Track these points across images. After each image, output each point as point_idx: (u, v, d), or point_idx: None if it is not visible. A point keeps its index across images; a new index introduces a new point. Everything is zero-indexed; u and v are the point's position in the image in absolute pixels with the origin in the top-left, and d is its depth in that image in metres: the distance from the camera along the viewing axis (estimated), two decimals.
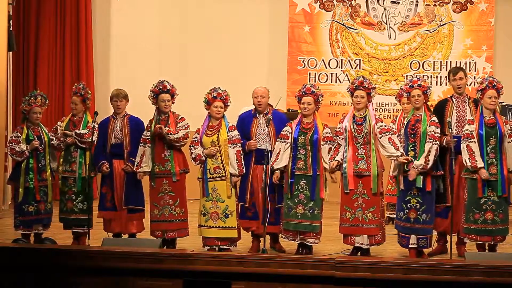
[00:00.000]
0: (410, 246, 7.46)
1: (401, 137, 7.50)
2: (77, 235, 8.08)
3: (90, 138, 7.91)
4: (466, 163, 7.31)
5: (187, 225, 7.91)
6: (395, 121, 8.59)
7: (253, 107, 10.41)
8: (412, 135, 7.42)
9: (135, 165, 7.84)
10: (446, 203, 7.57)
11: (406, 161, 7.35)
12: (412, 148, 7.42)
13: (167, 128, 7.72)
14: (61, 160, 8.03)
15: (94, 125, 7.89)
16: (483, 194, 7.28)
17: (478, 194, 7.30)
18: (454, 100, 7.83)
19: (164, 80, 7.89)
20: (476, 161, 7.25)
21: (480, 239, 7.39)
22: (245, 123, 7.96)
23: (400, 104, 9.36)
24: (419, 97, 7.46)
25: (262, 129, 7.84)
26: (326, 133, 7.60)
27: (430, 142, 7.34)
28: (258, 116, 7.94)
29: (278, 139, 7.68)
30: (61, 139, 7.99)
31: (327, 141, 7.58)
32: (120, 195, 7.96)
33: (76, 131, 7.96)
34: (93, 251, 5.77)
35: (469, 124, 7.41)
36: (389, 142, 7.41)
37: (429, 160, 7.32)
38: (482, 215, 7.32)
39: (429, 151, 7.32)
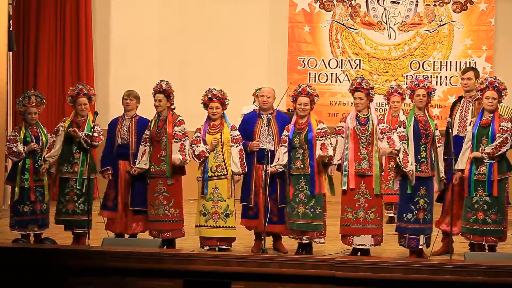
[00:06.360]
0: (420, 246, 7.43)
1: (401, 134, 7.45)
2: (77, 235, 8.06)
3: (99, 143, 7.90)
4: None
5: (182, 225, 7.86)
6: (383, 120, 8.59)
7: (253, 106, 10.48)
8: (425, 136, 7.40)
9: (136, 163, 7.84)
10: None
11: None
12: (424, 148, 7.40)
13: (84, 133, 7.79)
14: (60, 160, 7.95)
15: (95, 127, 7.86)
16: (469, 194, 7.31)
17: (465, 193, 7.34)
18: (461, 100, 7.88)
19: (162, 80, 7.87)
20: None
21: (472, 238, 7.41)
22: (249, 124, 7.95)
23: (388, 103, 9.40)
24: (423, 97, 7.45)
25: (265, 130, 7.83)
26: (321, 128, 7.55)
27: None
28: (263, 116, 7.91)
29: (280, 144, 7.69)
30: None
31: (319, 137, 7.52)
32: (124, 196, 7.96)
33: (86, 133, 7.89)
34: (93, 251, 5.77)
35: (469, 125, 7.44)
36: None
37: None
38: (474, 214, 7.33)
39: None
